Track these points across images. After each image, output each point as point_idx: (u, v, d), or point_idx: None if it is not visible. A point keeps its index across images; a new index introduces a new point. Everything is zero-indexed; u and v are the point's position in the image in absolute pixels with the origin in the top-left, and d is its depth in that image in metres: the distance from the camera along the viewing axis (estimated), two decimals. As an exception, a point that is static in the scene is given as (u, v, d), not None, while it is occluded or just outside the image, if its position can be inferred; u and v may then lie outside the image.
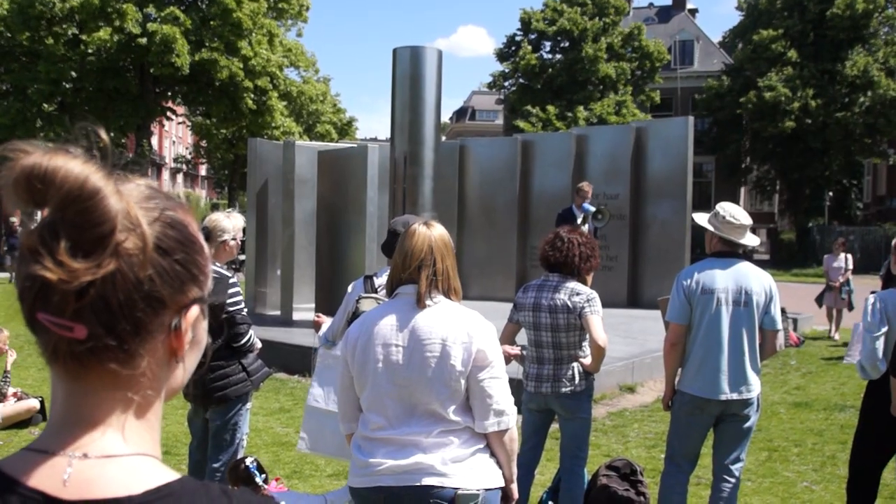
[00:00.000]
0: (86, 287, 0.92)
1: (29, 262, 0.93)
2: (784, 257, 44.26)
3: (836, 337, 15.26)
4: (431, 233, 3.15)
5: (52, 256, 0.91)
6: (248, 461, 4.75)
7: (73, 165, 0.91)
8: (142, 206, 0.97)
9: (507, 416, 3.06)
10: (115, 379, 0.98)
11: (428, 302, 3.08)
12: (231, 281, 5.07)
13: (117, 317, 0.94)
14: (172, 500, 0.95)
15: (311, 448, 4.99)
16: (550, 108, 42.77)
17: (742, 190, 54.27)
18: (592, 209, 12.71)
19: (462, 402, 3.05)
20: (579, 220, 12.32)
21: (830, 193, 45.53)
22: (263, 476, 4.92)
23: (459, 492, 2.95)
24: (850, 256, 15.94)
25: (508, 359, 5.13)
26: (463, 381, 3.01)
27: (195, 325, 1.05)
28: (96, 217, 0.92)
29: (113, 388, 0.99)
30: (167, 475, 0.98)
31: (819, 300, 16.01)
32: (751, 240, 5.03)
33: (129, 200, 0.95)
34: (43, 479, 0.94)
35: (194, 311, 1.03)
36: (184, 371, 1.08)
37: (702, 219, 5.10)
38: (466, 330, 3.03)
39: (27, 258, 0.93)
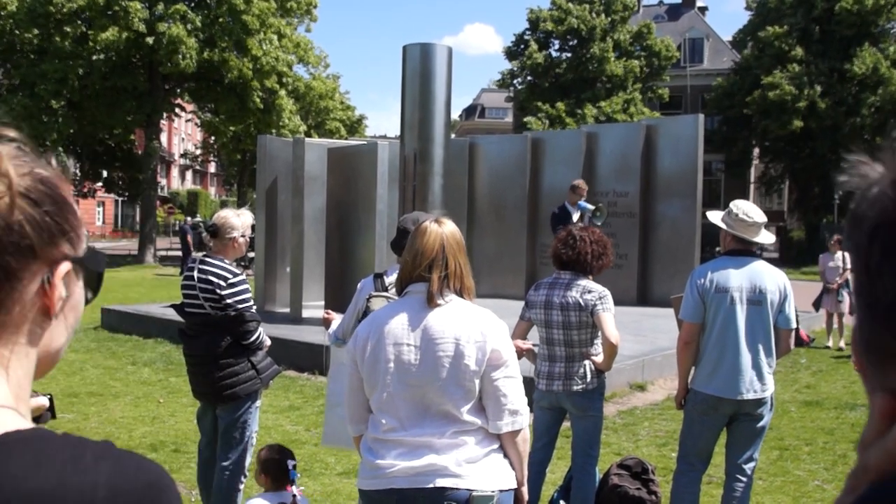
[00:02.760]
0: None
1: None
2: (793, 255, 44.13)
3: (842, 345, 13.76)
4: (443, 230, 3.09)
5: None
6: (291, 464, 4.68)
7: None
8: (11, 159, 0.99)
9: (521, 416, 3.02)
10: None
11: (440, 301, 3.02)
12: (240, 278, 5.06)
13: None
14: (22, 444, 0.93)
15: (334, 442, 4.98)
16: (560, 105, 42.68)
17: (751, 188, 54.09)
18: (590, 207, 12.50)
19: (476, 403, 2.99)
20: (575, 218, 12.15)
21: (840, 192, 45.28)
22: (299, 487, 4.85)
23: (474, 493, 2.90)
24: (847, 255, 14.18)
25: (520, 353, 5.11)
26: (477, 381, 2.96)
27: (68, 282, 1.05)
28: None
29: None
30: (21, 423, 0.97)
31: (817, 304, 14.64)
32: (765, 238, 4.98)
33: None
34: None
35: (65, 266, 1.03)
36: (63, 332, 1.07)
37: (715, 217, 5.07)
38: (480, 329, 2.98)
39: None
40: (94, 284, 1.12)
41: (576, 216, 12.24)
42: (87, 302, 1.13)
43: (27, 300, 1.00)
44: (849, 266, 13.75)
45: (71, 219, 1.04)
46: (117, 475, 0.94)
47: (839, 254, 14.27)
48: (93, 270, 1.10)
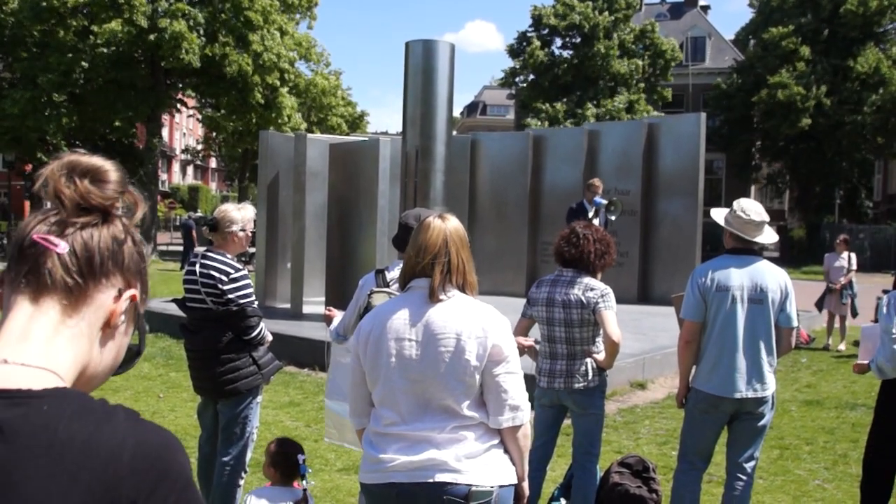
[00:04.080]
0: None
1: None
2: (794, 255, 44.12)
3: (842, 348, 13.56)
4: (446, 225, 3.10)
5: None
6: (301, 459, 4.66)
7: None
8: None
9: (521, 412, 3.01)
10: (62, 313, 1.21)
11: (442, 296, 3.03)
12: (242, 273, 5.05)
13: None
14: (66, 398, 1.12)
15: (339, 440, 4.98)
16: (559, 107, 42.55)
17: (752, 187, 54.09)
18: (604, 202, 12.80)
19: (476, 398, 2.99)
20: (590, 215, 12.39)
21: (841, 192, 45.35)
22: (309, 482, 4.83)
23: (473, 488, 2.90)
24: (853, 255, 14.03)
25: (521, 350, 5.10)
26: (477, 377, 2.96)
27: (128, 316, 1.29)
28: None
29: (58, 322, 1.21)
30: (62, 385, 1.17)
31: (819, 304, 14.26)
32: (767, 237, 4.96)
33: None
34: None
35: (134, 291, 1.28)
36: (107, 359, 1.28)
37: (718, 215, 5.06)
38: (481, 324, 2.98)
39: None
40: (136, 348, 1.36)
41: (591, 212, 12.47)
42: (129, 360, 1.36)
43: (103, 297, 1.25)
44: (854, 267, 13.77)
45: (146, 276, 1.33)
46: (142, 433, 1.13)
47: (845, 254, 14.02)
48: (141, 333, 1.38)
